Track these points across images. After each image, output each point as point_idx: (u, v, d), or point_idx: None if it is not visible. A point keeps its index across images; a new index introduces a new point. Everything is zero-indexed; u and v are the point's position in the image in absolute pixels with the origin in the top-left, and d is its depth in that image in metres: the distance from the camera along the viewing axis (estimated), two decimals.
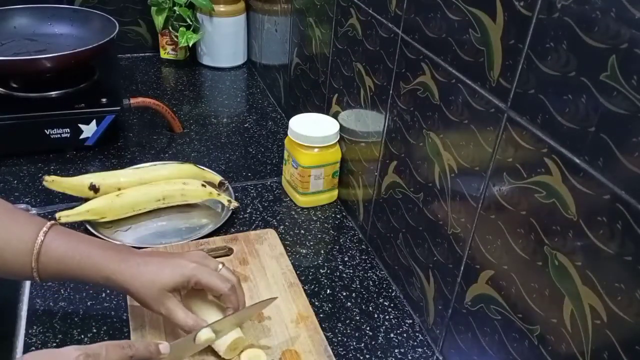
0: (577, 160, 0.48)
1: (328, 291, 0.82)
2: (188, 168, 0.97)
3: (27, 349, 0.69)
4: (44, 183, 0.88)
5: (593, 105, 0.46)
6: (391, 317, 0.79)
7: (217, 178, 0.99)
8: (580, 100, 0.47)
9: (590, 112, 0.46)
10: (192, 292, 0.69)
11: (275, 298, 0.73)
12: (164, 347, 0.58)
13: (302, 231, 0.93)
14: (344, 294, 0.82)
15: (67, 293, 0.77)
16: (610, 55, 0.43)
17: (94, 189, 0.90)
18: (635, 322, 0.44)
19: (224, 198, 0.94)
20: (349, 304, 0.80)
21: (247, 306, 0.70)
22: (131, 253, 0.67)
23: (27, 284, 0.78)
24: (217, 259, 0.72)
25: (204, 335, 0.64)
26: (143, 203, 0.90)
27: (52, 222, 0.67)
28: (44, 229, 0.65)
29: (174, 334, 0.70)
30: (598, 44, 0.45)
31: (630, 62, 0.42)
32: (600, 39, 0.44)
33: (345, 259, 0.89)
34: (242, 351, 0.68)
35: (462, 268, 0.66)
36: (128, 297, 0.75)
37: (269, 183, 1.04)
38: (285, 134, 0.98)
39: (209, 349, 0.68)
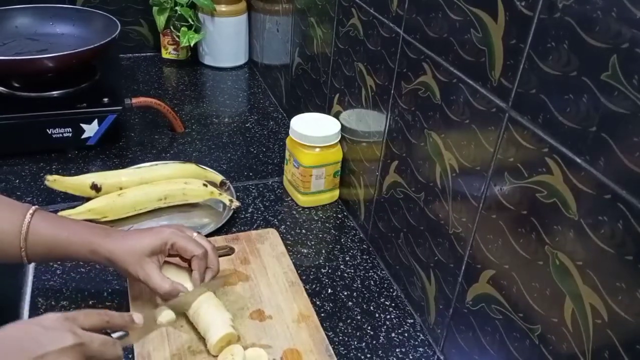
0: (578, 160, 0.48)
1: (329, 291, 0.82)
2: (189, 168, 0.97)
3: None
4: (46, 182, 0.88)
5: (594, 105, 0.46)
6: (392, 316, 0.79)
7: (218, 178, 0.99)
8: (581, 100, 0.47)
9: (591, 111, 0.46)
10: (169, 265, 0.74)
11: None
12: (137, 317, 0.61)
13: (304, 231, 0.93)
14: (345, 293, 0.82)
15: (69, 292, 0.77)
16: (611, 55, 0.44)
17: (96, 188, 0.90)
18: (636, 322, 0.44)
19: (225, 198, 0.94)
20: (350, 303, 0.80)
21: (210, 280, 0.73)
22: (114, 230, 0.73)
23: (29, 282, 0.78)
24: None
25: (167, 316, 0.67)
26: (144, 202, 0.91)
27: (36, 206, 0.70)
28: (30, 211, 0.69)
29: (175, 332, 0.71)
30: (599, 44, 0.45)
31: (631, 62, 0.42)
32: (601, 38, 0.44)
33: (347, 258, 0.89)
34: (227, 344, 0.68)
35: (463, 268, 0.66)
36: (130, 298, 0.75)
37: (270, 183, 1.04)
38: (287, 134, 0.98)
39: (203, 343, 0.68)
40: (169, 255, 0.73)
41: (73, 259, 0.75)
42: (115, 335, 0.58)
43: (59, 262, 0.81)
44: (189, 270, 0.73)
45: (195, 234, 0.74)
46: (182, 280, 0.72)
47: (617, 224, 0.45)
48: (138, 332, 0.62)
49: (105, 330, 0.58)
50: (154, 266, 0.69)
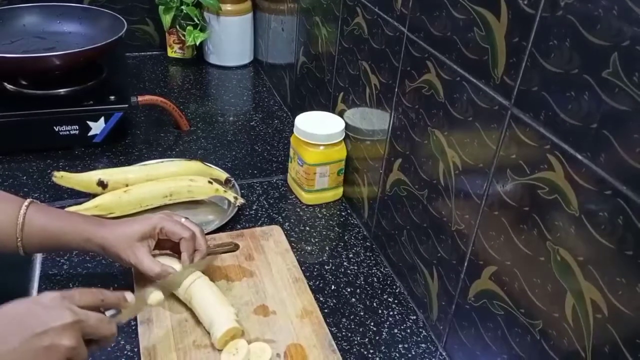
0: (579, 157, 0.48)
1: (333, 287, 0.83)
2: (195, 165, 0.98)
3: None
4: (53, 179, 0.89)
5: (595, 102, 0.46)
6: (395, 313, 0.79)
7: (223, 175, 0.99)
8: (582, 97, 0.47)
9: (592, 108, 0.47)
10: (160, 253, 0.76)
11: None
12: (130, 296, 0.63)
13: (307, 228, 0.94)
14: (349, 290, 0.83)
15: (76, 287, 0.78)
16: (612, 52, 0.44)
17: (102, 185, 0.91)
18: (636, 316, 0.45)
19: (230, 195, 0.94)
20: (353, 299, 0.81)
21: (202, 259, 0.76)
22: (107, 220, 0.76)
23: (37, 277, 0.79)
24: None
25: (155, 297, 0.68)
26: (150, 199, 0.91)
27: (30, 199, 0.72)
28: (25, 203, 0.71)
29: (180, 327, 0.71)
30: (600, 42, 0.45)
31: (632, 60, 0.43)
32: (602, 36, 0.45)
33: (350, 255, 0.89)
34: (232, 338, 0.69)
35: (465, 264, 0.67)
36: (135, 294, 0.76)
37: (274, 180, 1.05)
38: (291, 132, 0.99)
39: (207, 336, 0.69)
40: (159, 244, 0.75)
41: (68, 249, 0.78)
42: (108, 313, 0.60)
43: (65, 258, 0.82)
44: (180, 258, 0.75)
45: (183, 219, 0.76)
46: (172, 264, 0.73)
47: (618, 220, 0.45)
48: (129, 311, 0.64)
49: (99, 309, 0.59)
50: (145, 250, 0.72)
